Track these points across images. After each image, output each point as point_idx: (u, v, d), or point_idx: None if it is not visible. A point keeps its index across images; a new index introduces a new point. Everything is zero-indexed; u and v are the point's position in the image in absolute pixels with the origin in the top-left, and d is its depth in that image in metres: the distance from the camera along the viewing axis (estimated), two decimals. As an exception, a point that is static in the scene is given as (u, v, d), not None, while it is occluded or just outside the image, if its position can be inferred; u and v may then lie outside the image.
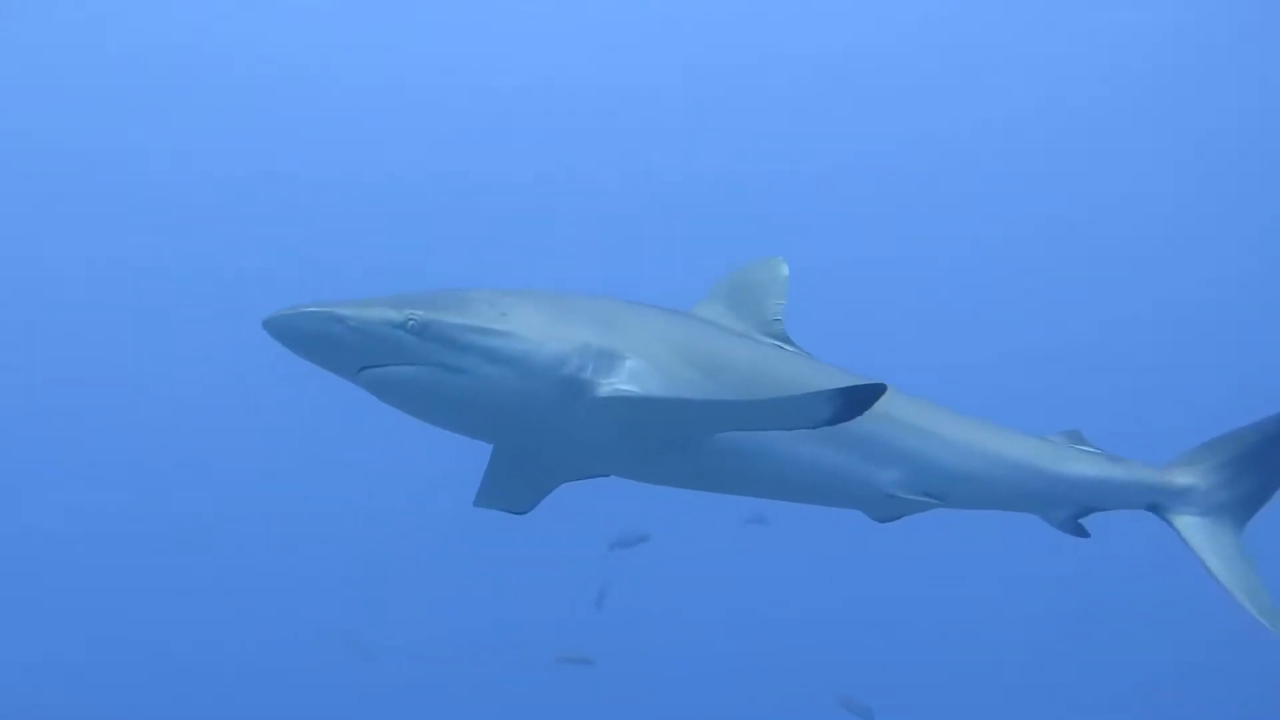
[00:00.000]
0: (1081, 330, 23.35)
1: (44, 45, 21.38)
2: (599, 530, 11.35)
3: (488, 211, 23.63)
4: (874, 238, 23.55)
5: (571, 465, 3.81)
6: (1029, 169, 23.45)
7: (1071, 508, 4.23)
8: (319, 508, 20.62)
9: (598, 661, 11.70)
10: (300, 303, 3.19)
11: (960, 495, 4.05)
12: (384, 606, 17.94)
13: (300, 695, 16.95)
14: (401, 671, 16.48)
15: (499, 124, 23.61)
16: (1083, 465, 4.22)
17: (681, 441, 3.49)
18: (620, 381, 3.32)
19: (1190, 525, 4.28)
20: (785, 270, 4.00)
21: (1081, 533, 4.26)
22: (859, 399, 3.15)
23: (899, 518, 4.08)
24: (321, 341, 3.17)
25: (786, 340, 3.96)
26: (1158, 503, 4.31)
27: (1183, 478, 4.30)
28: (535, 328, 3.26)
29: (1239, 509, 4.31)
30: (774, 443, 3.58)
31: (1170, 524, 4.32)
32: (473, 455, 3.85)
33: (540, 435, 3.45)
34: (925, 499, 3.93)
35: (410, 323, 3.14)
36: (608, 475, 3.86)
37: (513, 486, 3.90)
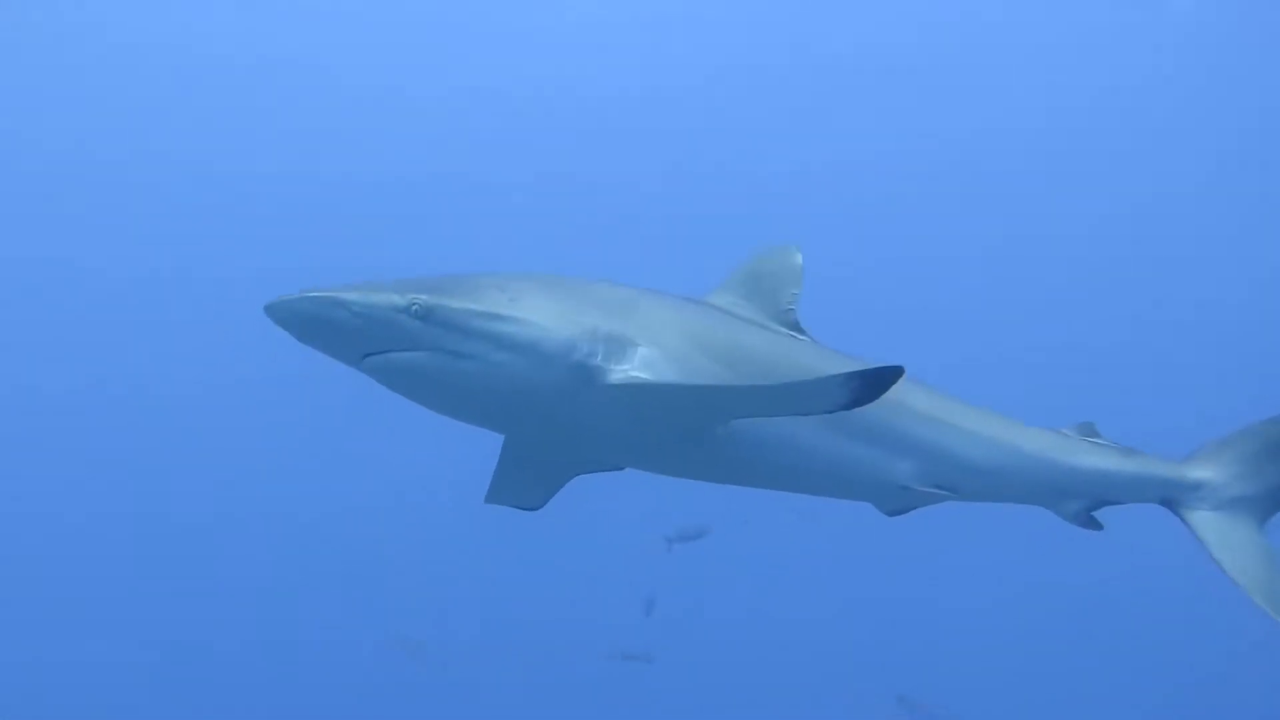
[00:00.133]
0: (1099, 329, 23.27)
1: (38, 45, 21.35)
2: (650, 526, 11.33)
3: (497, 211, 23.55)
4: (889, 235, 23.49)
5: (584, 457, 3.75)
6: (1047, 168, 23.35)
7: (1084, 500, 4.19)
8: (353, 507, 20.55)
9: (656, 659, 11.68)
10: (303, 287, 3.12)
11: (973, 487, 4.02)
12: (432, 607, 17.88)
13: (360, 698, 17.04)
14: (457, 672, 16.33)
15: (508, 124, 23.55)
16: (1096, 458, 4.18)
17: (696, 430, 3.42)
18: (633, 368, 3.24)
19: (1202, 520, 4.22)
20: (800, 259, 3.96)
21: (1094, 525, 4.22)
22: (876, 382, 3.08)
23: (909, 510, 4.07)
24: (324, 326, 3.09)
25: (799, 329, 3.92)
26: (1170, 497, 4.26)
27: (1197, 472, 4.25)
28: (545, 313, 3.19)
29: (1259, 505, 4.24)
30: (792, 433, 3.53)
31: (1182, 519, 4.27)
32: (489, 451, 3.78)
33: (551, 424, 3.37)
34: (938, 491, 3.90)
35: (415, 307, 3.07)
36: (621, 468, 3.79)
37: (524, 481, 3.83)
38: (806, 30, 21.95)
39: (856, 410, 3.57)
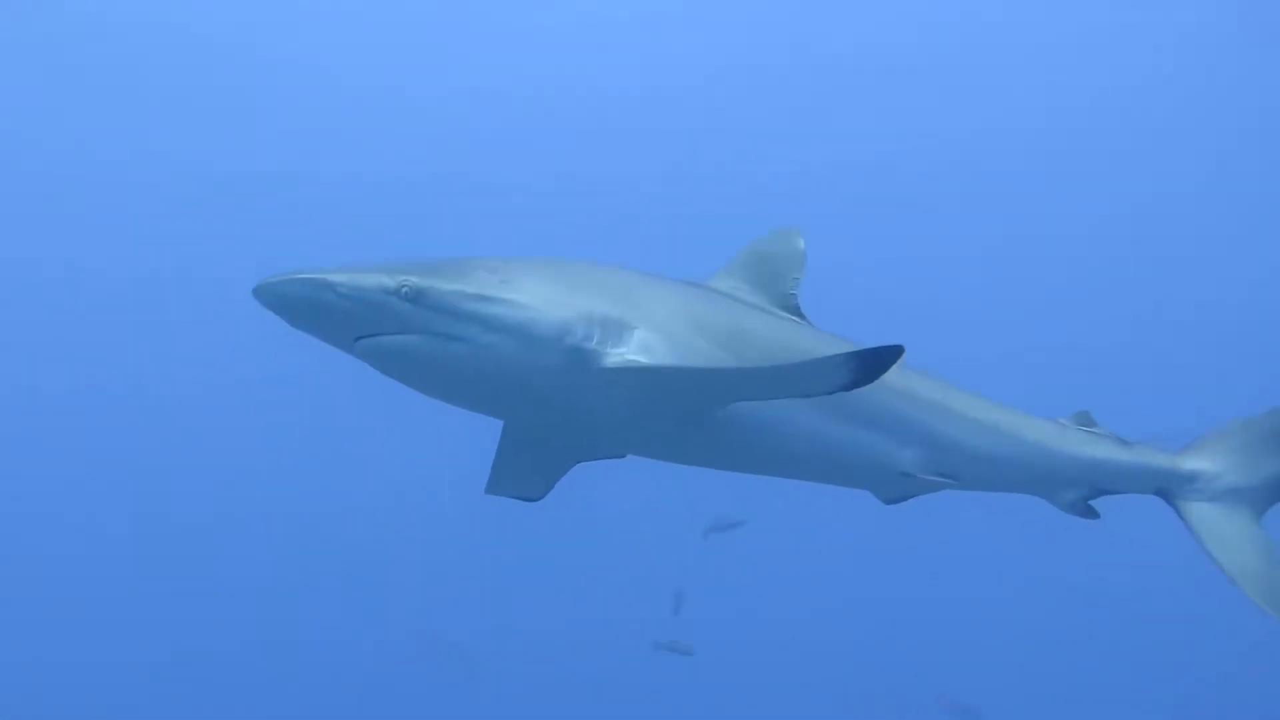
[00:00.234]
0: (1099, 326, 23.32)
1: (40, 42, 21.36)
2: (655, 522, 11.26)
3: (498, 211, 23.55)
4: (889, 234, 23.54)
5: (583, 443, 3.70)
6: (1047, 167, 23.39)
7: (1080, 490, 4.18)
8: (361, 505, 20.57)
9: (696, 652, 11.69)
10: (291, 269, 3.08)
11: (974, 476, 3.99)
12: (452, 605, 17.88)
13: (400, 700, 17.04)
14: (498, 672, 16.33)
15: (509, 123, 23.58)
16: (1093, 448, 4.17)
17: (696, 415, 3.38)
18: (629, 351, 3.19)
19: (1195, 511, 4.21)
20: (802, 243, 3.93)
21: (1090, 514, 4.21)
22: (875, 362, 3.02)
23: (907, 499, 4.03)
24: (312, 309, 3.04)
25: (800, 313, 3.89)
26: (1165, 488, 4.25)
27: (1192, 463, 4.24)
28: (539, 295, 3.14)
29: (1256, 496, 4.23)
30: (794, 419, 3.49)
31: (1176, 510, 4.26)
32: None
33: (546, 409, 3.32)
34: (940, 479, 3.87)
35: (404, 289, 3.02)
36: (622, 455, 3.75)
37: (524, 470, 3.78)
38: (809, 29, 21.96)
39: (861, 396, 3.51)
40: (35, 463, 20.81)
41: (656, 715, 16.37)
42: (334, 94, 22.99)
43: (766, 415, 3.44)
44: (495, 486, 3.81)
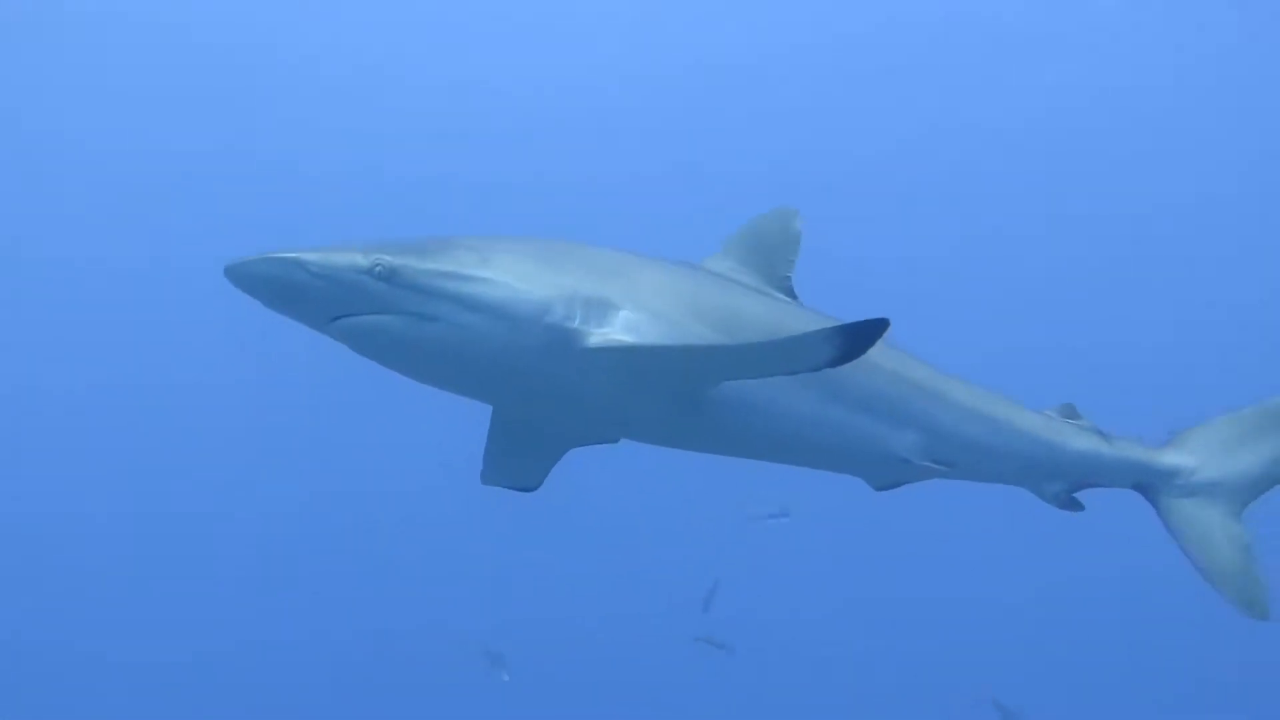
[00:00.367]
0: (1098, 325, 23.34)
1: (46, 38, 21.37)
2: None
3: (500, 210, 23.55)
4: (888, 233, 23.55)
5: (572, 427, 3.64)
6: (1047, 166, 23.39)
7: (1066, 482, 4.17)
8: (371, 504, 20.60)
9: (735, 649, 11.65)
10: (264, 249, 3.03)
11: (969, 464, 3.98)
12: (492, 603, 17.86)
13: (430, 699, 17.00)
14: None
15: (512, 122, 23.59)
16: (1079, 440, 4.16)
17: (684, 396, 3.31)
18: (614, 331, 3.13)
19: (1171, 507, 4.19)
20: (798, 223, 3.88)
21: (1075, 506, 4.19)
22: (861, 336, 2.96)
23: (899, 486, 4.01)
24: (285, 289, 3.00)
25: (794, 295, 3.84)
26: (1143, 482, 4.23)
27: (1170, 458, 4.22)
28: (519, 274, 3.08)
29: (1234, 492, 4.19)
30: (791, 402, 3.44)
31: (1154, 505, 4.24)
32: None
33: (531, 391, 3.27)
34: (935, 466, 3.84)
35: (378, 268, 2.97)
36: (615, 440, 3.69)
37: (517, 457, 3.73)
38: (812, 21, 21.91)
39: (859, 380, 3.55)
40: (33, 461, 20.82)
41: (689, 714, 16.32)
42: (339, 93, 23.01)
43: (761, 397, 3.38)
44: (489, 476, 3.76)
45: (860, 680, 17.79)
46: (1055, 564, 18.76)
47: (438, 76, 23.15)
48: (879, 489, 4.03)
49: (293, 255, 2.97)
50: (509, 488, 3.79)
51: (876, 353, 3.67)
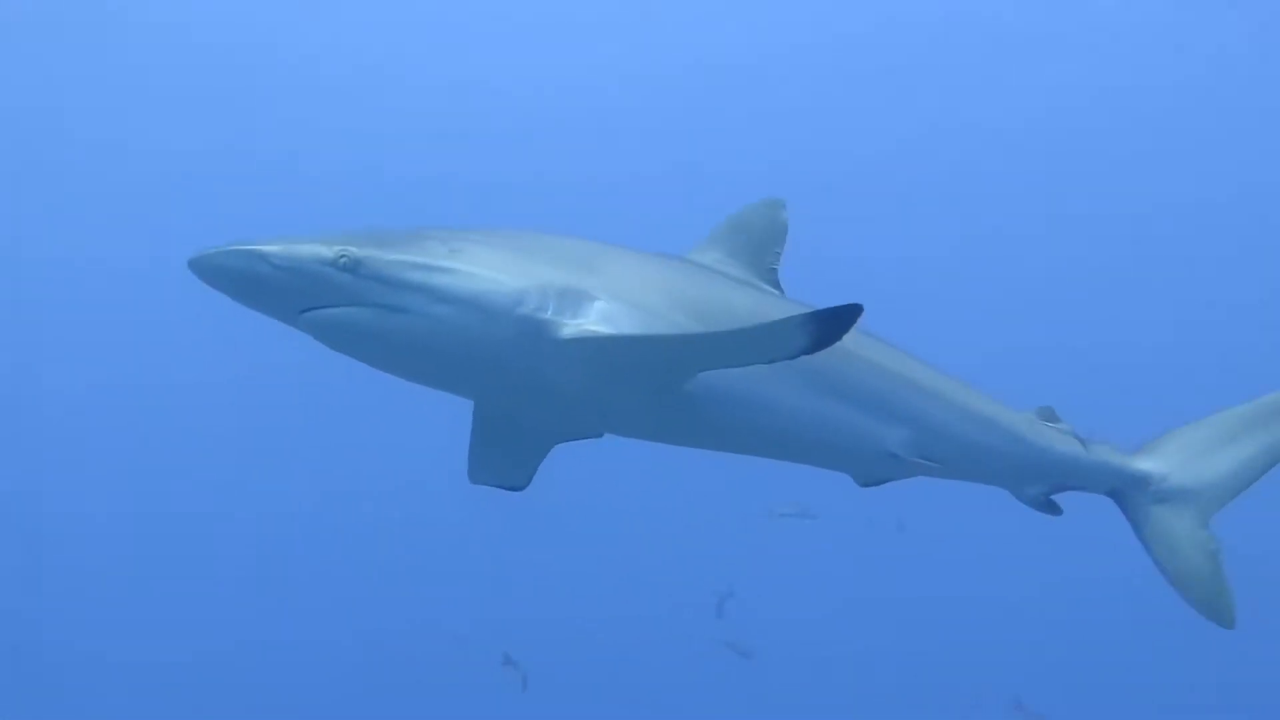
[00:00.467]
0: (1096, 324, 23.30)
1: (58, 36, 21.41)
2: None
3: (502, 209, 23.53)
4: (885, 232, 23.48)
5: (554, 422, 3.62)
6: (1047, 166, 23.32)
7: (1046, 485, 4.17)
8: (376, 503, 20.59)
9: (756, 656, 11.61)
10: (228, 241, 3.00)
11: (955, 461, 3.96)
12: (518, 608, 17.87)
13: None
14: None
15: (510, 122, 23.57)
16: (1059, 443, 4.17)
17: (664, 388, 3.27)
18: (588, 322, 3.09)
19: (1142, 514, 4.21)
20: (785, 215, 3.87)
21: (1053, 510, 4.20)
22: (834, 322, 2.92)
23: (884, 482, 4.01)
24: (249, 282, 2.96)
25: (779, 287, 3.82)
26: (1116, 488, 4.24)
27: (1143, 464, 4.23)
28: (490, 264, 3.05)
29: (1203, 499, 4.21)
30: (781, 395, 3.42)
31: (1124, 511, 4.25)
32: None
33: (507, 384, 3.24)
34: (924, 461, 3.83)
35: (343, 259, 2.93)
36: (599, 434, 3.67)
37: (502, 453, 3.70)
38: (812, 21, 21.88)
39: (848, 373, 3.55)
40: (32, 461, 20.83)
41: (698, 715, 16.32)
42: (335, 91, 23.01)
43: (743, 389, 3.35)
44: (476, 474, 3.74)
45: (871, 680, 17.74)
46: (1069, 564, 18.67)
47: (438, 76, 23.15)
48: (864, 485, 4.02)
49: (255, 247, 2.94)
50: (497, 486, 3.76)
51: (865, 346, 3.68)
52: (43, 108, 22.26)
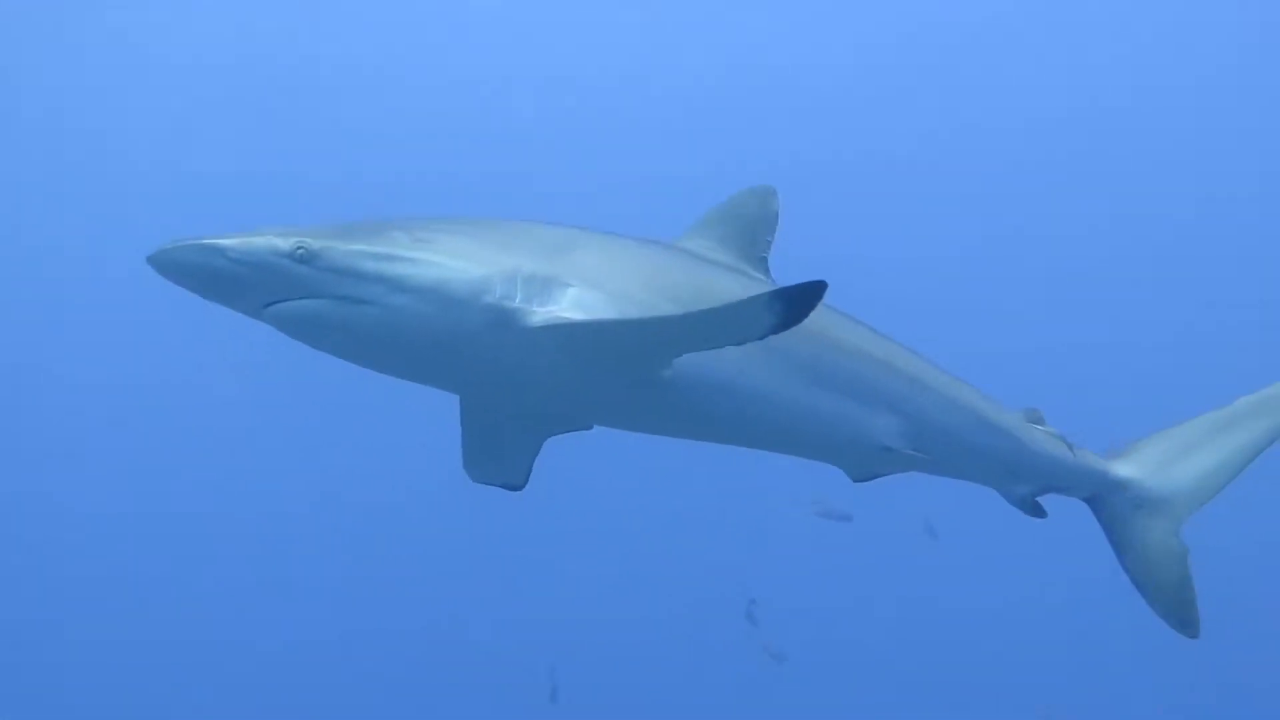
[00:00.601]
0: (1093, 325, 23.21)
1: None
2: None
3: (509, 209, 23.47)
4: (886, 232, 23.45)
5: (538, 413, 3.56)
6: (1048, 166, 23.27)
7: (1033, 486, 4.14)
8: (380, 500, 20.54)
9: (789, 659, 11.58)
10: (185, 235, 2.95)
11: (947, 455, 3.92)
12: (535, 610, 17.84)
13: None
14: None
15: (513, 121, 23.52)
16: (1048, 445, 4.15)
17: (642, 375, 3.20)
18: (560, 309, 3.03)
19: (1116, 520, 4.20)
20: (777, 203, 3.80)
21: (1039, 512, 4.17)
22: (800, 300, 2.87)
23: (876, 477, 3.97)
24: (207, 276, 2.92)
25: (769, 275, 3.75)
26: (1095, 493, 4.22)
27: (1121, 470, 4.21)
28: (454, 253, 2.99)
29: (1176, 506, 4.19)
30: (772, 386, 3.38)
31: (1098, 516, 4.23)
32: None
33: (479, 374, 3.18)
34: (917, 455, 3.78)
35: (300, 251, 2.88)
36: (589, 426, 3.62)
37: (496, 449, 3.66)
38: (815, 21, 21.88)
39: (840, 363, 3.51)
40: (32, 460, 20.83)
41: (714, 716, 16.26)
42: (335, 92, 23.04)
43: (732, 378, 3.30)
44: (474, 472, 3.69)
45: (889, 682, 17.69)
46: (1093, 566, 18.57)
47: (438, 76, 23.15)
48: (857, 480, 3.97)
49: (210, 241, 2.90)
50: (496, 485, 3.72)
51: (853, 335, 3.62)
52: (43, 107, 22.30)
